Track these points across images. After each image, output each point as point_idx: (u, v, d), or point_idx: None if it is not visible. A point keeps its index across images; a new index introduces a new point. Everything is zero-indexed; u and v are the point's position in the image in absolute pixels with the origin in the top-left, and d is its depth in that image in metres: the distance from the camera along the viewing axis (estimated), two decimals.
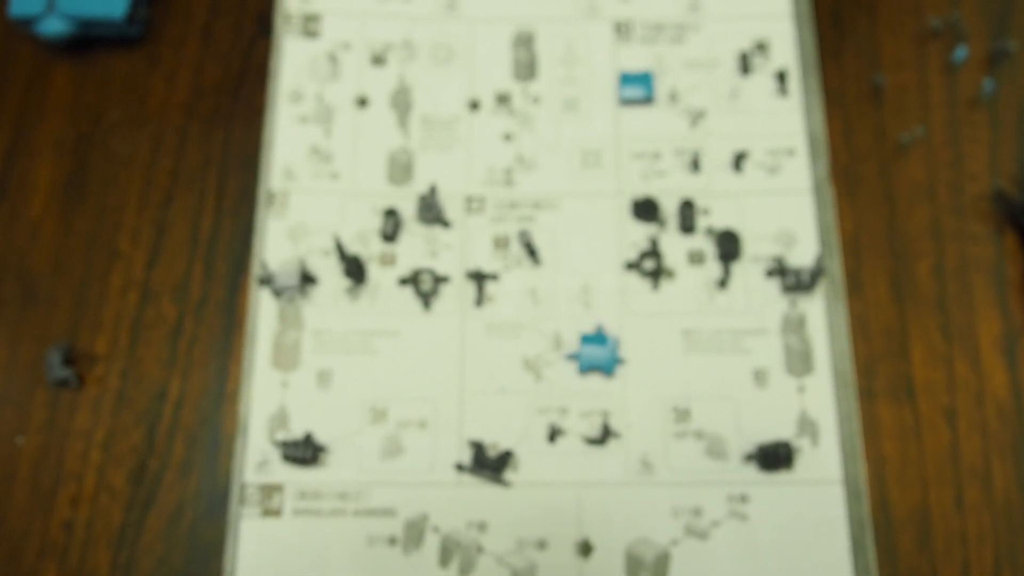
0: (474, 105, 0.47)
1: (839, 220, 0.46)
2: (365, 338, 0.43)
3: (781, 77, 0.48)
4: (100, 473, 0.42)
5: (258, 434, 0.42)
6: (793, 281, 0.44)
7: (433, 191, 0.45)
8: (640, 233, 0.45)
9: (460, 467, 0.41)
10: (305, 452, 0.41)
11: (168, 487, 0.42)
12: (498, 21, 0.49)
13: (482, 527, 0.40)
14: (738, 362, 0.43)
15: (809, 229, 0.45)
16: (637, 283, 0.44)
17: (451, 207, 0.45)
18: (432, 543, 0.40)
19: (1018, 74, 0.49)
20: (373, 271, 0.44)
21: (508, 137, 0.47)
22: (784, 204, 0.46)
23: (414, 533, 0.40)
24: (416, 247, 0.45)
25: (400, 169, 0.46)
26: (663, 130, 0.47)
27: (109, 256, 0.46)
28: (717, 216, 0.45)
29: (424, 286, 0.44)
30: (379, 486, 0.41)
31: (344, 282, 0.44)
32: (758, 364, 0.43)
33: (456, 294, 0.44)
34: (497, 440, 0.42)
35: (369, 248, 0.45)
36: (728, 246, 0.44)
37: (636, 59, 0.48)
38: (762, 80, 0.48)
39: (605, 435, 0.41)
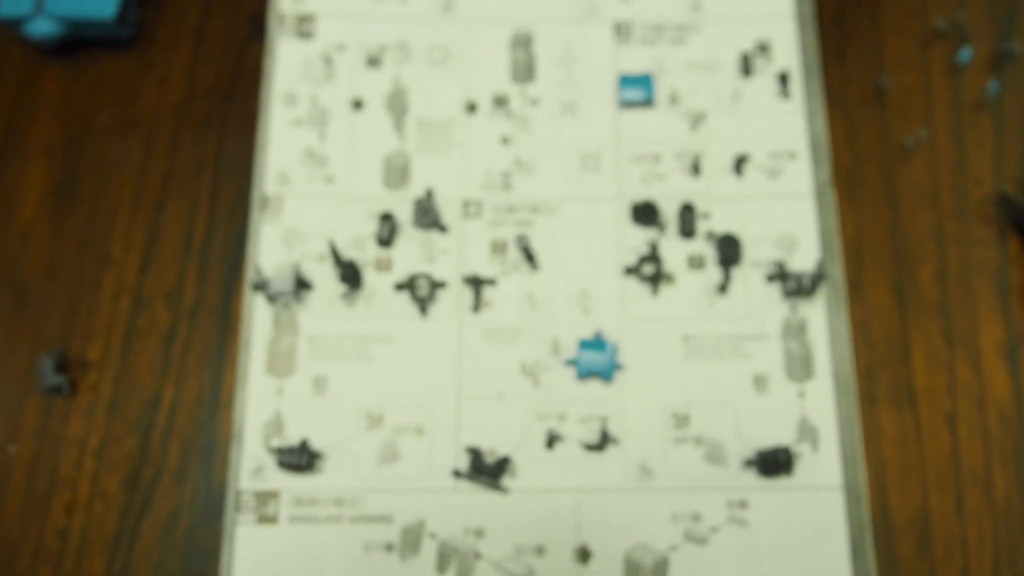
0: (471, 107, 0.50)
1: (841, 224, 0.48)
2: (361, 344, 0.46)
3: (783, 79, 0.51)
4: (94, 480, 0.44)
5: (253, 441, 0.44)
6: (794, 286, 0.46)
7: (430, 195, 0.48)
8: (639, 237, 0.48)
9: (457, 473, 0.44)
10: (301, 459, 0.43)
11: (163, 494, 0.44)
12: (495, 22, 0.52)
13: (479, 533, 0.43)
14: (738, 367, 0.45)
15: (810, 233, 0.48)
16: (636, 288, 0.47)
17: (448, 211, 0.48)
18: (429, 549, 0.42)
19: (1023, 76, 0.51)
20: (369, 276, 0.47)
21: (506, 140, 0.49)
22: (785, 208, 0.48)
23: (411, 539, 0.43)
24: (412, 252, 0.47)
25: (396, 173, 0.49)
26: (663, 133, 0.50)
27: (101, 262, 0.48)
28: (717, 220, 0.48)
29: (421, 291, 0.46)
30: (375, 492, 0.43)
31: (339, 287, 0.47)
32: (758, 369, 0.45)
33: (453, 299, 0.46)
34: (495, 446, 0.44)
35: (365, 253, 0.47)
36: (728, 250, 0.47)
37: (636, 61, 0.51)
38: (764, 82, 0.51)
39: (604, 441, 0.44)
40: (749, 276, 0.47)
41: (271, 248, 0.47)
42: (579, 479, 0.44)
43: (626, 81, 0.50)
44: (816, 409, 0.44)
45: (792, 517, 0.43)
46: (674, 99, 0.50)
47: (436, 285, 0.47)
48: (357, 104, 0.50)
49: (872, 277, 0.47)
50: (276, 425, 0.44)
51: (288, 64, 0.51)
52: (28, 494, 0.44)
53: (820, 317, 0.46)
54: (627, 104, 0.50)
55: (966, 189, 0.49)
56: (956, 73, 0.51)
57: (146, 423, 0.45)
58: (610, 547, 0.42)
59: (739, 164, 0.49)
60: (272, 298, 0.46)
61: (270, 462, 0.44)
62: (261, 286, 0.46)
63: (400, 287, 0.47)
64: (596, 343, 0.45)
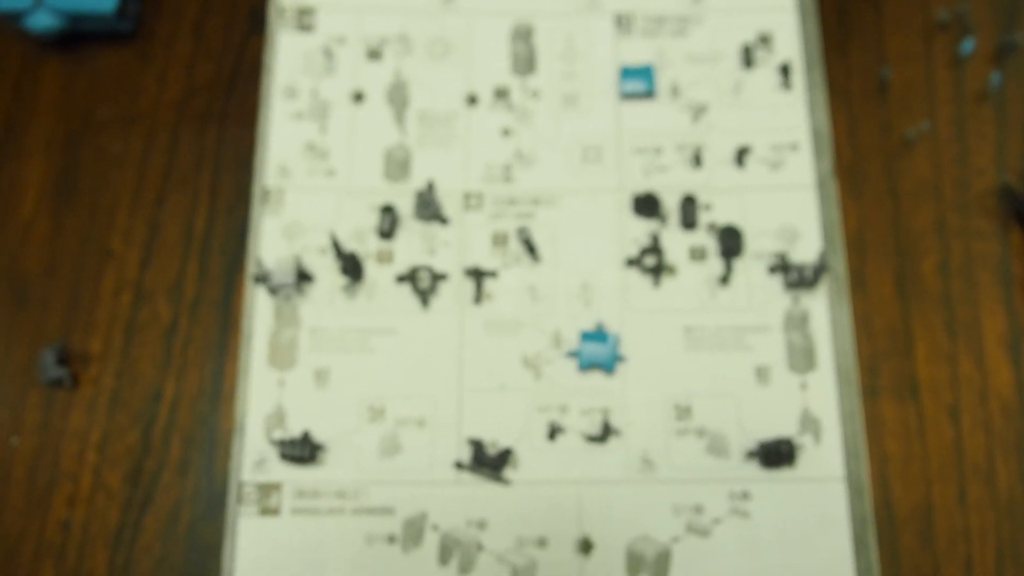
0: (472, 100, 0.51)
1: (843, 216, 0.49)
2: (362, 336, 0.46)
3: (785, 71, 0.51)
4: (96, 474, 0.45)
5: (255, 433, 0.45)
6: (796, 278, 0.47)
7: (431, 188, 0.48)
8: (641, 229, 0.48)
9: (459, 465, 0.44)
10: (303, 451, 0.44)
11: (165, 487, 0.45)
12: (496, 14, 0.52)
13: (482, 525, 0.43)
14: (740, 359, 0.46)
15: (812, 225, 0.48)
16: (638, 280, 0.47)
17: (449, 204, 0.49)
18: (431, 541, 0.43)
19: None
20: (370, 269, 0.47)
21: (507, 132, 0.50)
22: (787, 200, 0.49)
23: (413, 532, 0.43)
24: (414, 244, 0.48)
25: (397, 165, 0.49)
26: (664, 125, 0.50)
27: (102, 256, 0.49)
28: (719, 212, 0.48)
29: (422, 284, 0.47)
30: (378, 485, 0.44)
31: (341, 280, 0.47)
32: (760, 361, 0.46)
33: (454, 292, 0.47)
34: (497, 438, 0.45)
35: (366, 245, 0.48)
36: (730, 242, 0.48)
37: (637, 52, 0.52)
38: (765, 74, 0.51)
39: (606, 433, 0.44)
40: (751, 268, 0.47)
41: (272, 241, 0.48)
42: (581, 471, 0.44)
43: (627, 73, 0.51)
44: (818, 401, 0.45)
45: (794, 509, 0.43)
46: (675, 91, 0.51)
47: (437, 277, 0.47)
48: (358, 97, 0.51)
49: (874, 269, 0.48)
50: (278, 417, 0.45)
51: (288, 57, 0.51)
52: (30, 487, 0.45)
53: (822, 309, 0.47)
54: (628, 96, 0.51)
55: (968, 181, 0.50)
56: (958, 65, 0.52)
57: (148, 416, 0.46)
58: (612, 539, 0.43)
59: (741, 156, 0.49)
60: (273, 291, 0.47)
61: (272, 454, 0.44)
62: (262, 279, 0.46)
63: (401, 279, 0.47)
64: (598, 335, 0.46)
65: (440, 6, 0.52)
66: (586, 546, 0.43)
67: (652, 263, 0.47)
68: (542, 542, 0.43)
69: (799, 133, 0.50)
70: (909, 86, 0.52)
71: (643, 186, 0.49)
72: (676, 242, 0.48)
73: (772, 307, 0.47)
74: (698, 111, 0.50)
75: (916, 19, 0.53)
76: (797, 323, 0.46)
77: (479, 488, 0.44)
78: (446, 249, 0.48)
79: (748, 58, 0.51)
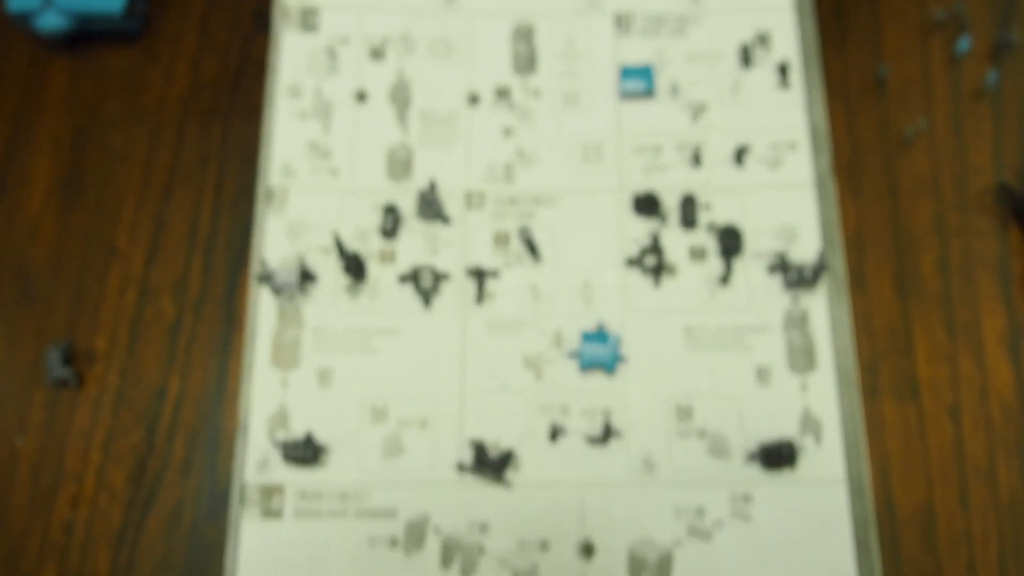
0: (473, 99, 0.45)
1: (842, 215, 0.43)
2: (365, 336, 0.41)
3: (783, 70, 0.45)
4: (100, 473, 0.39)
5: (258, 433, 0.39)
6: (795, 277, 0.41)
7: (433, 187, 0.42)
8: (641, 229, 0.42)
9: (461, 467, 0.39)
10: (305, 452, 0.38)
11: (168, 487, 0.39)
12: (497, 14, 0.46)
13: (484, 528, 0.38)
14: (740, 359, 0.40)
15: (811, 224, 0.42)
16: (638, 279, 0.42)
17: (451, 203, 0.43)
18: (433, 544, 0.38)
19: (1022, 66, 0.46)
20: (373, 268, 0.42)
21: (508, 132, 0.44)
22: (786, 199, 0.43)
23: (415, 534, 0.38)
24: (416, 244, 0.42)
25: (399, 165, 0.44)
26: (664, 124, 0.44)
27: (107, 253, 0.43)
28: (719, 211, 0.43)
29: (424, 283, 0.41)
30: (380, 486, 0.39)
31: (344, 279, 0.41)
32: (760, 361, 0.40)
33: (456, 291, 0.41)
34: (498, 439, 0.39)
35: (369, 245, 0.42)
36: (729, 242, 0.42)
37: (637, 52, 0.46)
38: (764, 73, 0.45)
39: (607, 434, 0.39)
40: (750, 267, 0.42)
41: (276, 240, 0.42)
42: (582, 473, 0.39)
43: (627, 73, 0.45)
44: (819, 401, 0.40)
45: (796, 511, 0.38)
46: (675, 90, 0.45)
47: (439, 277, 0.41)
48: (361, 96, 0.45)
49: (874, 268, 0.42)
50: (281, 417, 0.40)
51: (292, 57, 0.45)
52: (34, 487, 0.39)
53: (822, 308, 0.41)
54: (628, 95, 0.45)
55: (966, 179, 0.44)
56: (955, 63, 0.46)
57: (152, 415, 0.40)
58: (614, 542, 0.38)
59: (740, 155, 0.44)
60: (277, 290, 0.41)
61: (275, 455, 0.39)
62: (266, 278, 0.41)
63: (404, 279, 0.41)
64: (599, 335, 0.40)
65: (442, 6, 0.46)
66: (588, 549, 0.38)
67: (652, 263, 0.42)
68: (544, 545, 0.38)
69: (797, 132, 0.44)
70: (906, 84, 0.46)
71: (643, 185, 0.43)
72: (676, 242, 0.42)
73: (772, 307, 0.41)
74: (697, 110, 0.44)
75: (913, 17, 0.47)
76: (797, 323, 0.41)
77: (481, 490, 0.38)
78: (448, 249, 0.42)
79: (746, 57, 0.45)
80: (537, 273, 0.42)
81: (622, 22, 0.46)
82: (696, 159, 0.44)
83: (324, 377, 0.40)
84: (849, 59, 0.46)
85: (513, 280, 0.42)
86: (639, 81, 0.45)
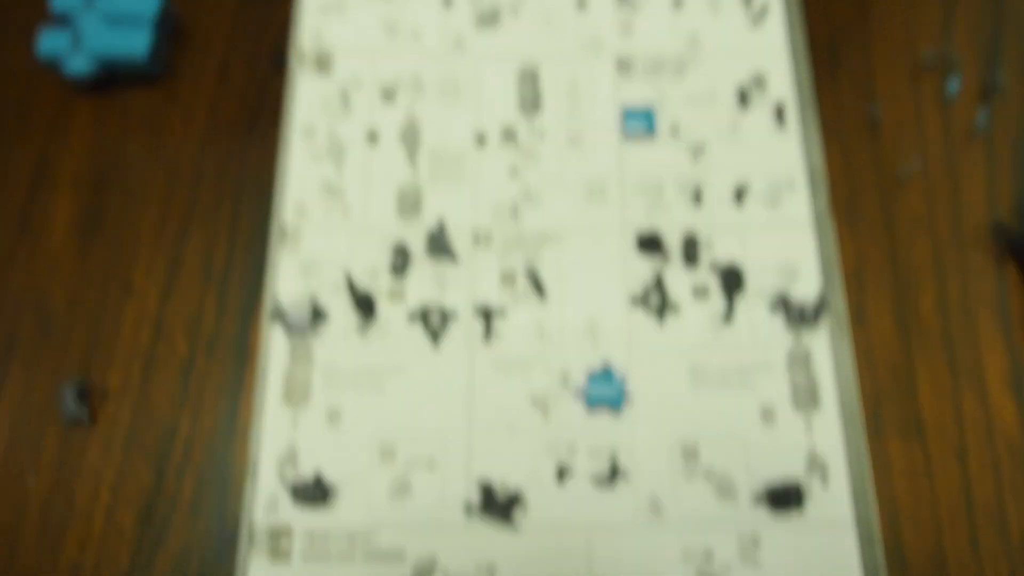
0: (481, 140, 0.38)
1: (841, 253, 0.36)
2: (374, 375, 0.34)
3: (779, 111, 0.38)
4: (109, 514, 0.33)
5: (268, 473, 0.32)
6: (797, 315, 0.34)
7: (441, 226, 0.35)
8: (645, 267, 0.35)
9: (469, 508, 0.32)
10: (315, 493, 0.32)
11: (177, 529, 0.32)
12: (503, 58, 0.39)
13: (491, 571, 0.31)
14: (745, 398, 0.33)
15: (811, 262, 0.35)
16: (643, 318, 0.35)
17: (459, 241, 0.36)
18: None
19: (1011, 105, 0.39)
20: (382, 306, 0.35)
21: (514, 171, 0.37)
22: (786, 237, 0.36)
23: None
24: (425, 282, 0.35)
25: (409, 204, 0.37)
26: (665, 164, 0.37)
27: (123, 290, 0.36)
28: (720, 249, 0.36)
29: (433, 322, 0.34)
30: (388, 528, 0.32)
31: (354, 318, 0.34)
32: (765, 400, 0.33)
33: (464, 330, 0.34)
34: (505, 479, 0.32)
35: (378, 283, 0.35)
36: (731, 280, 0.35)
37: (638, 94, 0.39)
38: (761, 114, 0.38)
39: (613, 474, 0.32)
40: (752, 305, 0.35)
41: (289, 278, 0.35)
42: (590, 515, 0.32)
43: (629, 114, 0.38)
44: (824, 441, 0.33)
45: (805, 555, 0.31)
46: (675, 131, 0.38)
47: (447, 316, 0.34)
48: (372, 137, 0.38)
49: (874, 305, 0.35)
50: (290, 457, 0.33)
51: (307, 99, 0.39)
52: (43, 527, 0.33)
53: (824, 346, 0.34)
54: (630, 136, 0.38)
55: (962, 217, 0.37)
56: (946, 103, 0.39)
57: (162, 454, 0.34)
58: None
59: (739, 194, 0.37)
60: (289, 329, 0.34)
61: (284, 496, 0.32)
62: (278, 316, 0.34)
63: (413, 318, 0.34)
64: (604, 374, 0.33)
65: (451, 50, 0.39)
66: None
67: (656, 301, 0.35)
68: None
69: (795, 171, 0.37)
70: (899, 124, 0.39)
71: (646, 224, 0.36)
72: (679, 280, 0.35)
73: (775, 345, 0.34)
74: (697, 150, 0.37)
75: (903, 59, 0.40)
76: (800, 361, 0.34)
77: (488, 532, 0.32)
78: (456, 287, 0.35)
79: (743, 99, 0.38)
80: (543, 311, 0.35)
81: (623, 65, 0.39)
82: (697, 198, 0.37)
83: (333, 416, 0.33)
84: (843, 100, 0.39)
85: (520, 318, 0.35)
86: (640, 122, 0.38)
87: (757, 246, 0.36)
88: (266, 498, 0.32)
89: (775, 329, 0.34)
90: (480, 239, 0.36)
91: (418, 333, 0.35)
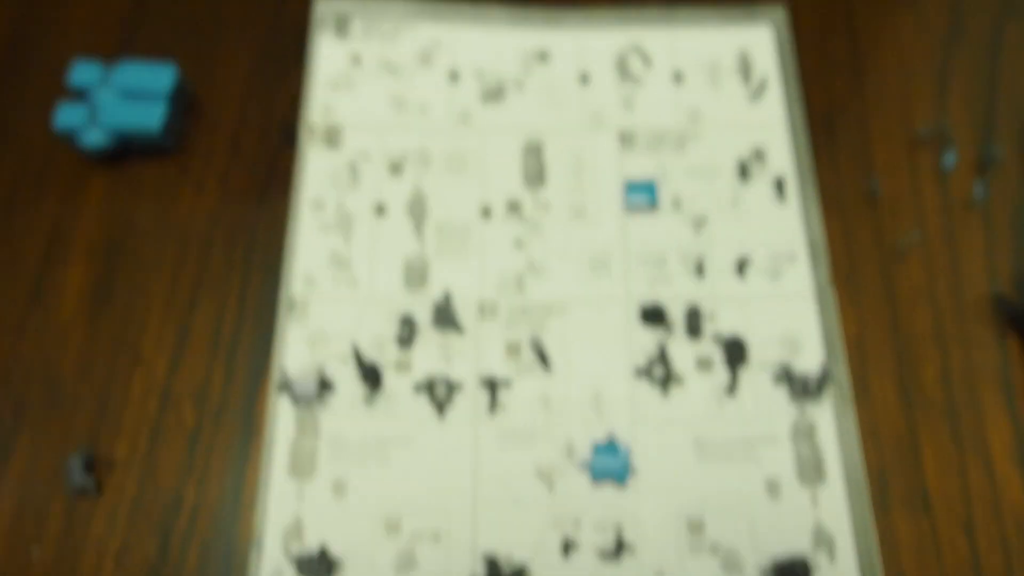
0: (486, 212, 0.40)
1: (843, 324, 0.38)
2: (380, 446, 0.36)
3: (779, 184, 0.41)
4: None
5: (273, 546, 0.34)
6: (800, 387, 0.36)
7: (447, 297, 0.38)
8: (648, 339, 0.38)
9: None
10: (319, 567, 0.33)
11: None
12: (509, 131, 0.42)
13: None
14: (750, 471, 0.35)
15: (814, 334, 0.37)
16: (647, 390, 0.36)
17: (465, 313, 0.38)
18: None
19: (1008, 177, 0.42)
20: (389, 377, 0.37)
21: (519, 243, 0.39)
22: (788, 309, 0.38)
23: None
24: (431, 353, 0.37)
25: (416, 275, 0.39)
26: (668, 236, 0.40)
27: (132, 359, 0.39)
28: (723, 321, 0.38)
29: (438, 394, 0.36)
30: None
31: (360, 389, 0.36)
32: (770, 473, 0.35)
33: (470, 401, 0.36)
34: (511, 552, 0.34)
35: (385, 354, 0.37)
36: (734, 352, 0.37)
37: (640, 167, 0.41)
38: (761, 187, 0.41)
39: (619, 548, 0.33)
40: (756, 378, 0.37)
41: (296, 349, 0.37)
42: None
43: (632, 187, 0.41)
44: (830, 515, 0.34)
45: None
46: (677, 203, 0.40)
47: (453, 387, 0.36)
48: (380, 210, 0.40)
49: (877, 377, 0.37)
50: (295, 529, 0.34)
51: (316, 172, 0.41)
52: None
53: (828, 419, 0.36)
54: (633, 208, 0.40)
55: (962, 289, 0.39)
56: (943, 176, 0.41)
57: (167, 524, 0.35)
58: None
59: (741, 266, 0.39)
60: (296, 400, 0.36)
61: (289, 569, 0.33)
62: (286, 387, 0.36)
63: (419, 389, 0.36)
64: (609, 446, 0.35)
65: (457, 124, 0.42)
66: None
67: (660, 373, 0.36)
68: None
69: (796, 243, 0.40)
70: (897, 197, 0.41)
71: (649, 296, 0.38)
72: (683, 352, 0.37)
73: (779, 417, 0.36)
74: (699, 223, 0.40)
75: (900, 133, 0.43)
76: (804, 434, 0.35)
77: None
78: (462, 358, 0.37)
79: (744, 172, 0.41)
80: (548, 383, 0.37)
81: (626, 139, 0.42)
82: (699, 270, 0.39)
83: (339, 488, 0.35)
84: (842, 173, 0.42)
85: (525, 390, 0.37)
86: (643, 195, 0.41)
87: (760, 318, 0.38)
88: (271, 571, 0.33)
89: (779, 401, 0.36)
90: (486, 310, 0.38)
91: (424, 404, 0.37)
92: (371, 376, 0.37)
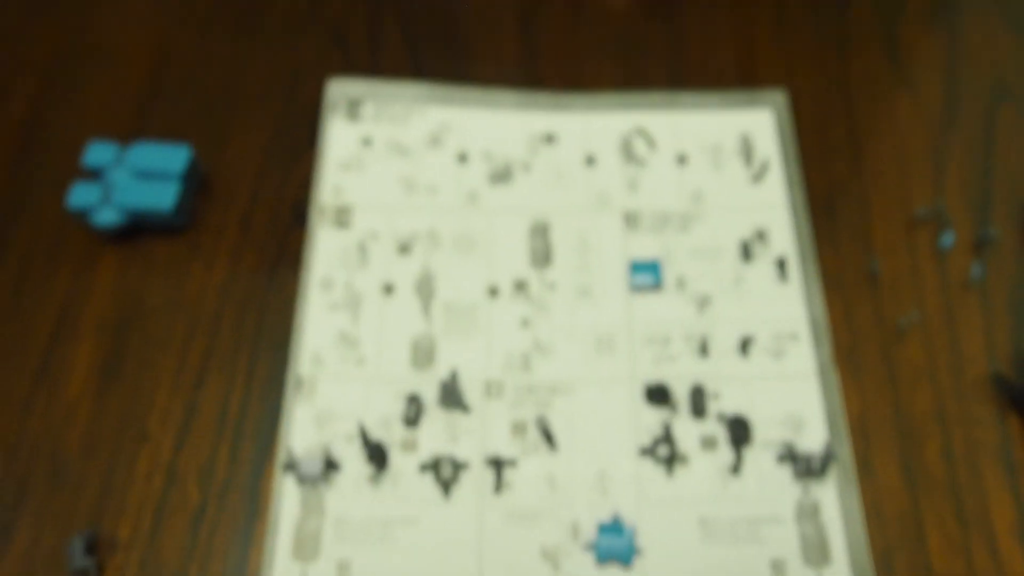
0: (493, 292, 0.44)
1: (845, 403, 0.41)
2: (385, 526, 0.38)
3: (781, 264, 0.45)
4: None
5: None
6: (804, 467, 0.39)
7: (454, 377, 0.41)
8: (653, 418, 0.41)
9: None
10: None
11: None
12: (516, 212, 0.46)
13: None
14: (755, 552, 0.38)
15: (817, 413, 0.41)
16: (652, 469, 0.39)
17: (471, 392, 0.41)
18: None
19: (1004, 258, 0.45)
20: (395, 457, 0.40)
21: (525, 323, 0.43)
22: (791, 388, 0.41)
23: None
24: (437, 432, 0.40)
25: (423, 354, 0.42)
26: (672, 315, 0.43)
27: (138, 437, 0.41)
28: (727, 400, 0.41)
29: (444, 473, 0.39)
30: None
31: (366, 468, 0.39)
32: (775, 555, 0.37)
33: (475, 481, 0.39)
34: None
35: (391, 434, 0.40)
36: (739, 432, 0.40)
37: (645, 247, 0.45)
38: (763, 267, 0.45)
39: None
40: (760, 457, 0.40)
41: (303, 428, 0.40)
42: None
43: (636, 267, 0.44)
44: None
45: None
46: (681, 283, 0.44)
47: (459, 467, 0.39)
48: (388, 289, 0.44)
49: (880, 456, 0.40)
50: None
51: (326, 251, 0.45)
52: None
53: (832, 498, 0.39)
54: (638, 288, 0.44)
55: (962, 368, 0.42)
56: (941, 257, 0.45)
57: None
58: None
59: (744, 346, 0.42)
60: (301, 480, 0.39)
61: None
62: (291, 467, 0.39)
63: (425, 468, 0.39)
64: (614, 527, 0.38)
65: (465, 205, 0.46)
66: None
67: (665, 453, 0.39)
68: None
69: (798, 323, 0.43)
70: (897, 277, 0.45)
71: (654, 375, 0.42)
72: (687, 431, 0.40)
73: (783, 497, 0.39)
74: (703, 302, 0.43)
75: (898, 214, 0.47)
76: (808, 514, 0.38)
77: None
78: (468, 437, 0.40)
79: (747, 252, 0.45)
80: (553, 462, 0.39)
81: (631, 220, 0.46)
82: (703, 349, 0.42)
83: (343, 569, 0.37)
84: (842, 254, 0.46)
85: (530, 469, 0.39)
86: (648, 275, 0.44)
87: (763, 397, 0.41)
88: None
89: (783, 481, 0.39)
90: (492, 389, 0.41)
91: (429, 484, 0.39)
92: (377, 456, 0.39)
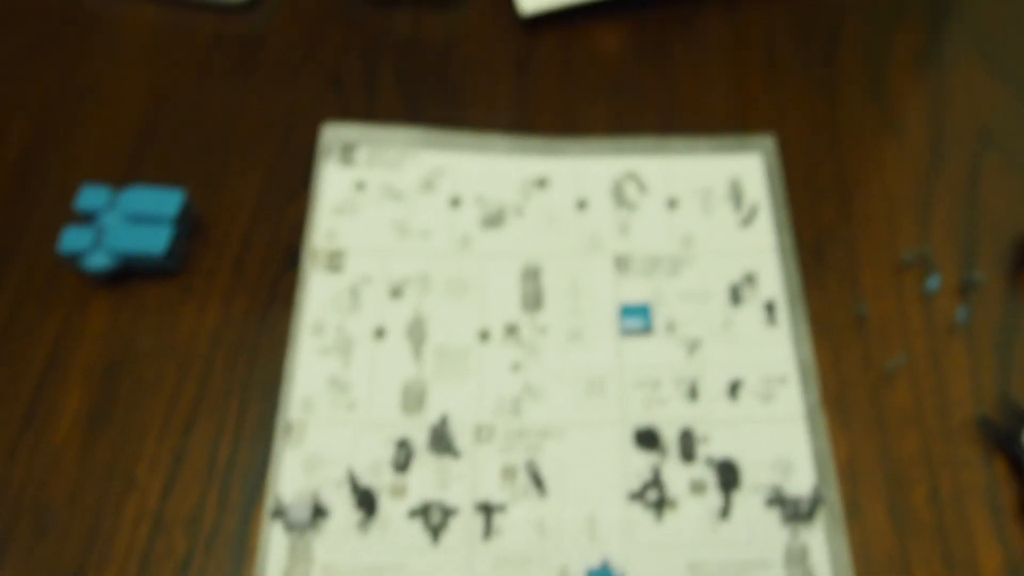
0: (484, 336, 0.46)
1: (833, 447, 0.43)
2: (373, 574, 0.39)
3: (769, 308, 0.47)
4: None
5: None
6: (792, 511, 0.40)
7: (444, 421, 0.43)
8: (643, 462, 0.42)
9: None
10: None
11: None
12: (507, 256, 0.49)
13: None
14: None
15: (805, 456, 0.42)
16: (641, 513, 0.41)
17: (461, 436, 0.43)
18: None
19: (990, 302, 0.48)
20: (384, 503, 0.41)
21: (516, 367, 0.45)
22: (779, 431, 0.43)
23: None
24: (427, 478, 0.42)
25: (414, 399, 0.44)
26: (662, 359, 0.45)
27: (126, 484, 0.43)
28: (716, 444, 0.43)
29: (433, 519, 0.41)
30: None
31: (355, 515, 0.41)
32: None
33: (464, 526, 0.41)
34: None
35: (381, 479, 0.42)
36: (728, 475, 0.42)
37: (635, 291, 0.47)
38: (752, 310, 0.47)
39: None
40: (749, 501, 0.41)
41: (292, 474, 0.42)
42: None
43: (627, 311, 0.46)
44: None
45: None
46: (671, 327, 0.46)
47: (448, 512, 0.41)
48: (379, 333, 0.46)
49: (868, 500, 0.42)
50: None
51: (318, 295, 0.47)
52: None
53: (820, 542, 0.40)
54: (628, 332, 0.46)
55: (949, 411, 0.44)
56: (927, 301, 0.47)
57: None
58: None
59: (733, 389, 0.44)
60: (290, 526, 0.40)
61: None
62: (279, 514, 0.40)
63: (414, 514, 0.41)
64: (603, 572, 0.39)
65: (457, 250, 0.48)
66: None
67: (654, 497, 0.41)
68: None
69: (787, 366, 0.45)
70: (884, 321, 0.47)
71: (644, 419, 0.44)
72: (676, 475, 0.42)
73: (772, 541, 0.41)
74: (692, 346, 0.46)
75: (885, 259, 0.49)
76: (797, 558, 0.40)
77: None
78: (458, 483, 0.42)
79: (736, 296, 0.47)
80: (543, 507, 0.41)
81: (621, 263, 0.48)
82: (693, 393, 0.44)
83: None
84: (831, 298, 0.48)
85: (519, 514, 0.41)
86: (638, 318, 0.46)
87: (752, 440, 0.43)
88: None
89: (771, 525, 0.41)
90: (482, 434, 0.43)
91: (418, 530, 0.41)
92: (366, 502, 0.41)
